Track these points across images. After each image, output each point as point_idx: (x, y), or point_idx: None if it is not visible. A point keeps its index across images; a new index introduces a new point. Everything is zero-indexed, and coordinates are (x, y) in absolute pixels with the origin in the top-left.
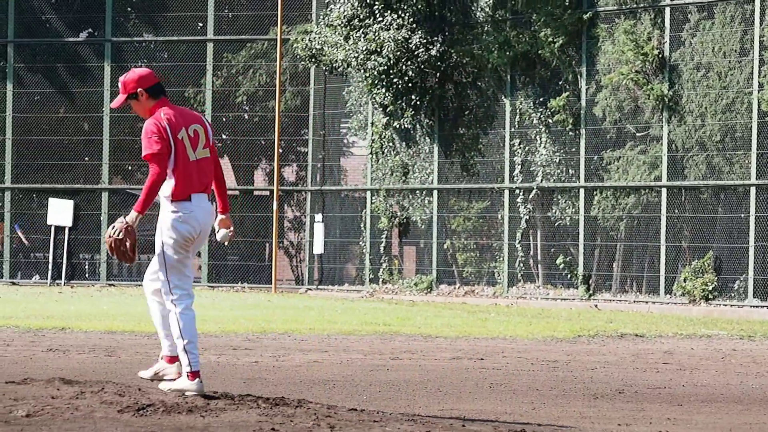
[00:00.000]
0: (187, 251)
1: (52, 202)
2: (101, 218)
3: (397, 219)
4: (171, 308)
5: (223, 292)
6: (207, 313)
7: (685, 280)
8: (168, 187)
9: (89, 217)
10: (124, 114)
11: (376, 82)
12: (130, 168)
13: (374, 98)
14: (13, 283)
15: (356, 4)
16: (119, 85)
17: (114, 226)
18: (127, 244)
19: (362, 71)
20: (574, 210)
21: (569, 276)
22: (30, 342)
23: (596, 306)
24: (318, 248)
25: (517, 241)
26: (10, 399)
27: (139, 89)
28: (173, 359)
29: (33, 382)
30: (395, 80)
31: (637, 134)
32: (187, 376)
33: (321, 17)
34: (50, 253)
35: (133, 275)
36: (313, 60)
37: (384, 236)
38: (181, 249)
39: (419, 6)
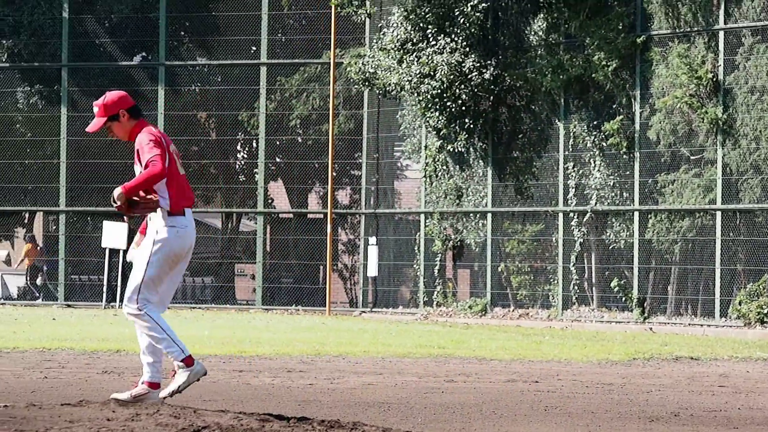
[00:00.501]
0: (171, 269)
1: (107, 225)
2: None
3: (451, 242)
4: (146, 316)
5: (277, 315)
6: (261, 335)
7: (740, 303)
8: (164, 201)
9: None
10: (178, 137)
11: (429, 105)
12: None
13: (428, 121)
14: (68, 306)
15: (409, 27)
16: (95, 108)
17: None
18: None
19: (416, 95)
20: (628, 233)
21: (624, 299)
22: (85, 364)
23: (651, 329)
24: (372, 271)
25: (572, 264)
26: (66, 421)
27: (120, 110)
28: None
29: (89, 404)
30: (449, 104)
31: (692, 157)
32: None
33: (374, 41)
34: (105, 275)
35: (187, 298)
36: (367, 83)
37: (438, 259)
38: (166, 265)
39: (472, 30)
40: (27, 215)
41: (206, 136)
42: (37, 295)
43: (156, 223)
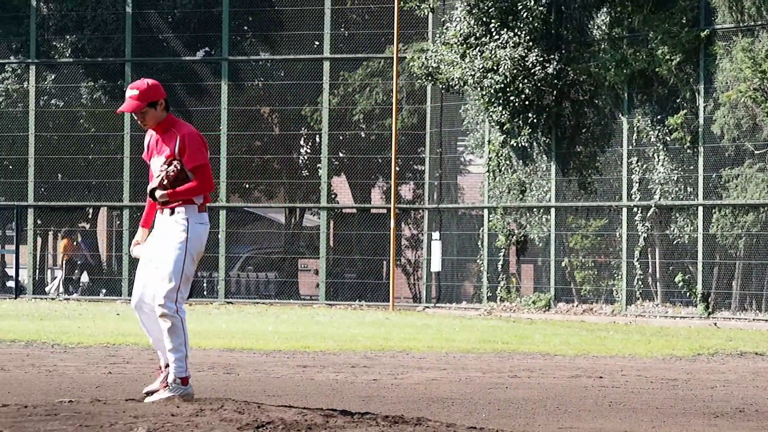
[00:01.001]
0: (195, 266)
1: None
2: (219, 236)
3: (514, 237)
4: (179, 317)
5: (341, 310)
6: (325, 330)
7: None
8: (198, 198)
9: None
10: (241, 132)
11: (492, 100)
12: (247, 186)
13: (491, 116)
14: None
15: (473, 22)
16: (132, 91)
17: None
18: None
19: (479, 89)
20: (692, 228)
21: (688, 294)
22: (149, 359)
23: (715, 324)
24: (435, 266)
25: (636, 259)
26: (130, 416)
27: (160, 99)
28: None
29: None
30: (512, 98)
31: (756, 152)
32: (182, 381)
33: (437, 35)
34: None
35: (251, 293)
36: (430, 78)
37: (501, 254)
38: (197, 260)
39: (536, 24)
40: (91, 210)
41: (269, 131)
42: (72, 290)
43: (185, 219)
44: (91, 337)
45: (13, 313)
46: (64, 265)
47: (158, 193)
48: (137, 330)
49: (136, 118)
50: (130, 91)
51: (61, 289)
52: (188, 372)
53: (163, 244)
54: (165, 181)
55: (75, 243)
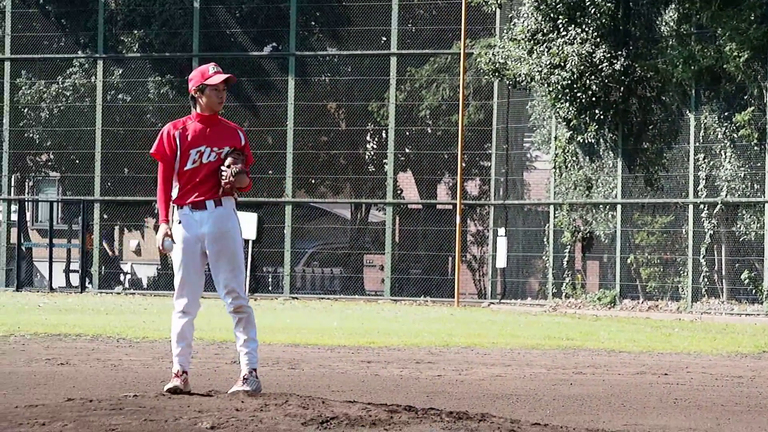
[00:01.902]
0: None
1: (239, 215)
2: (284, 231)
3: (580, 233)
4: (251, 307)
5: (405, 306)
6: (390, 326)
7: None
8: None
9: (273, 231)
10: (307, 127)
11: (559, 96)
12: (313, 182)
13: (558, 112)
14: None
15: (540, 18)
16: (219, 68)
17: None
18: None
19: (546, 85)
20: (759, 225)
21: (754, 291)
22: (214, 354)
23: None
24: (501, 262)
25: (702, 256)
26: (195, 411)
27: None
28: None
29: (217, 394)
30: (579, 94)
31: None
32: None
33: (504, 31)
34: None
35: (316, 289)
36: (497, 74)
37: (567, 250)
38: None
39: (603, 20)
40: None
41: (336, 126)
42: (87, 284)
43: (233, 209)
44: (157, 331)
45: (79, 308)
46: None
47: (241, 178)
48: (202, 325)
49: (219, 98)
50: (216, 67)
51: (128, 283)
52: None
53: (224, 239)
54: (234, 171)
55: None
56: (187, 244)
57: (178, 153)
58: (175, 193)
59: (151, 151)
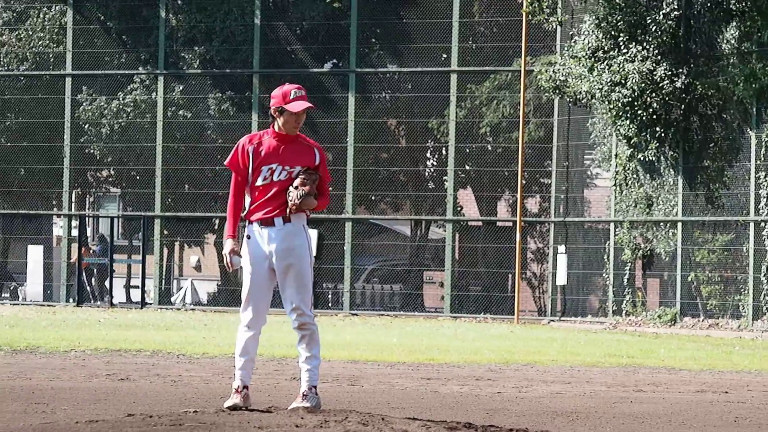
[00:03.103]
0: None
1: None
2: (344, 248)
3: (640, 251)
4: (316, 324)
5: (465, 323)
6: (450, 343)
7: None
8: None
9: (333, 247)
10: (367, 144)
11: (620, 113)
12: (373, 198)
13: (618, 130)
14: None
15: (601, 35)
16: (301, 91)
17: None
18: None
19: (606, 103)
20: None
21: None
22: (274, 370)
23: None
24: (561, 279)
25: (762, 274)
26: (254, 427)
27: None
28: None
29: (277, 411)
30: (639, 112)
31: None
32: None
33: (565, 48)
34: None
35: (375, 305)
36: (557, 91)
37: (627, 268)
38: None
39: (664, 38)
40: (217, 221)
41: (396, 143)
42: (89, 297)
43: (302, 226)
44: (217, 347)
45: (139, 323)
46: (78, 273)
47: (308, 201)
48: (262, 341)
49: (294, 123)
50: (299, 92)
51: (188, 299)
52: None
53: (291, 255)
54: (300, 195)
55: (91, 251)
56: (255, 259)
57: (250, 168)
58: (247, 206)
59: (226, 162)
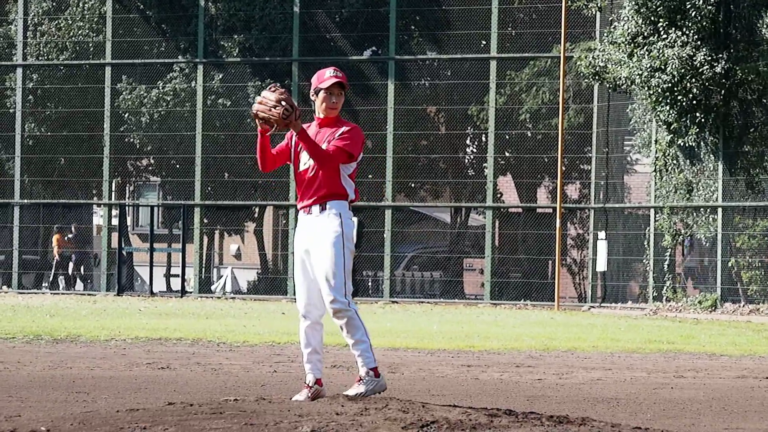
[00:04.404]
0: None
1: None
2: (384, 235)
3: (681, 237)
4: (352, 309)
5: (506, 310)
6: (490, 330)
7: None
8: (350, 189)
9: (372, 235)
10: (407, 132)
11: (660, 99)
12: (413, 185)
13: (658, 116)
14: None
15: (640, 21)
16: (339, 72)
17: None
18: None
19: (646, 89)
20: None
21: None
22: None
23: None
24: (601, 266)
25: None
26: (295, 415)
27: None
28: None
29: (318, 398)
30: (679, 98)
31: None
32: (374, 373)
33: (605, 35)
34: None
35: (416, 293)
36: (597, 77)
37: (668, 254)
38: (353, 253)
39: (704, 23)
40: (257, 210)
41: (436, 130)
42: (63, 284)
43: (337, 214)
44: (257, 335)
45: (179, 312)
46: (55, 261)
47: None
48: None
49: (331, 103)
50: (335, 72)
51: (228, 288)
52: (376, 362)
53: (320, 243)
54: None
55: (66, 238)
56: (297, 249)
57: (292, 154)
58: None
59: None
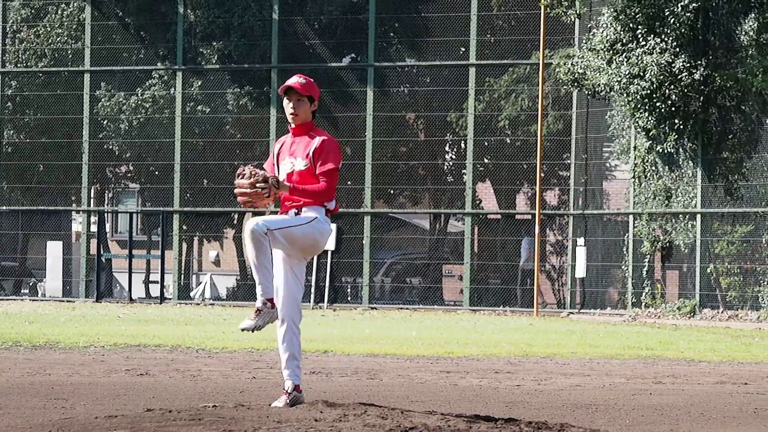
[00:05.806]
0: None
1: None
2: (363, 242)
3: (659, 243)
4: (264, 244)
5: (485, 316)
6: (469, 336)
7: None
8: (330, 202)
9: (351, 241)
10: (386, 138)
11: (638, 106)
12: (392, 192)
13: (637, 122)
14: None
15: (619, 28)
16: (299, 78)
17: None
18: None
19: (625, 95)
20: None
21: None
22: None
23: None
24: (580, 272)
25: None
26: (274, 421)
27: (316, 100)
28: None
29: (296, 405)
30: (658, 104)
31: None
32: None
33: (584, 41)
34: (313, 276)
35: (394, 299)
36: (576, 84)
37: (646, 260)
38: (307, 258)
39: (683, 30)
40: (236, 216)
41: (415, 137)
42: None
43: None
44: (236, 342)
45: (158, 318)
46: None
47: (282, 182)
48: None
49: (288, 109)
50: (297, 78)
51: (207, 294)
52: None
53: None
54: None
55: None
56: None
57: (276, 168)
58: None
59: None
